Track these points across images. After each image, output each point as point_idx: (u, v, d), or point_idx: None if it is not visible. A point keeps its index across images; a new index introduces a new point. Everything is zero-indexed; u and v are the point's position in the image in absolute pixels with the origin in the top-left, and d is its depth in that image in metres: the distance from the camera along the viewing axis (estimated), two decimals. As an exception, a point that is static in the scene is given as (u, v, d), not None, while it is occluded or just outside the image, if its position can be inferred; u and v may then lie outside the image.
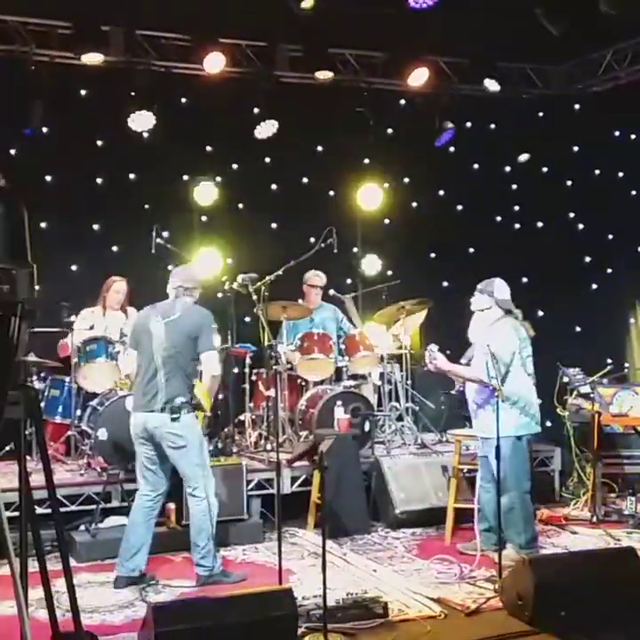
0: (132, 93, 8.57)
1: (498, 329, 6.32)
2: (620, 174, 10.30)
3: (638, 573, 5.16)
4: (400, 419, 8.45)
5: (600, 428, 7.50)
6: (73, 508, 6.75)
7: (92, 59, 8.30)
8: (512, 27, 8.38)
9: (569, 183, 10.67)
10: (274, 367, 7.14)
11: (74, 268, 8.87)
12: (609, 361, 9.34)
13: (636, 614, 5.03)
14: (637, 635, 4.85)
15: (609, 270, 10.44)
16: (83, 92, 8.89)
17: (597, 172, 10.48)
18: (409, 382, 8.58)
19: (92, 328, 7.64)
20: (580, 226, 10.66)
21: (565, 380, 8.18)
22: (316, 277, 8.63)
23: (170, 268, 9.08)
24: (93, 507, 6.70)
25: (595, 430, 7.44)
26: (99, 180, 9.02)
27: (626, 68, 9.58)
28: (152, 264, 8.48)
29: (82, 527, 6.70)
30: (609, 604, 4.95)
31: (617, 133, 10.26)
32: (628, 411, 8.00)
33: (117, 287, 7.95)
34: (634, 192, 10.20)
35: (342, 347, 8.21)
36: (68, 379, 7.50)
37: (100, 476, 6.93)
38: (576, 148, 10.61)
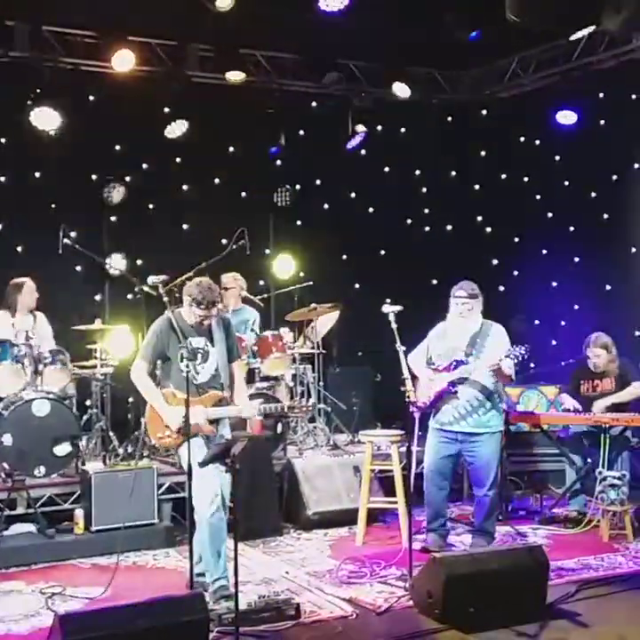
0: (38, 90, 8.37)
1: (499, 326, 6.51)
2: (526, 179, 10.56)
3: (544, 569, 5.29)
4: (312, 420, 8.48)
5: (507, 426, 7.66)
6: (-24, 515, 6.57)
7: (-4, 54, 8.10)
8: (421, 32, 8.51)
9: (477, 187, 10.89)
10: (185, 369, 7.06)
11: (-25, 268, 8.63)
12: (516, 360, 9.55)
13: (543, 609, 5.16)
14: (543, 629, 4.96)
15: (516, 272, 10.70)
16: (-15, 88, 8.67)
17: (504, 176, 10.73)
18: (321, 383, 8.62)
19: (-4, 331, 7.41)
20: (488, 229, 10.89)
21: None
22: (224, 279, 8.48)
23: (78, 268, 8.96)
24: (-3, 514, 6.53)
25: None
26: (2, 179, 8.79)
27: (531, 74, 9.84)
28: (59, 265, 8.31)
29: (-15, 535, 6.51)
30: (516, 599, 5.06)
31: (522, 139, 10.52)
32: (533, 409, 8.22)
33: (32, 287, 7.68)
34: (538, 196, 10.47)
35: (255, 349, 8.17)
36: (-30, 383, 7.26)
37: (4, 483, 6.73)
38: (483, 153, 10.85)
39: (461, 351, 6.37)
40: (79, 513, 6.65)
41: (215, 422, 5.53)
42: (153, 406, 5.56)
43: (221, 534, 5.39)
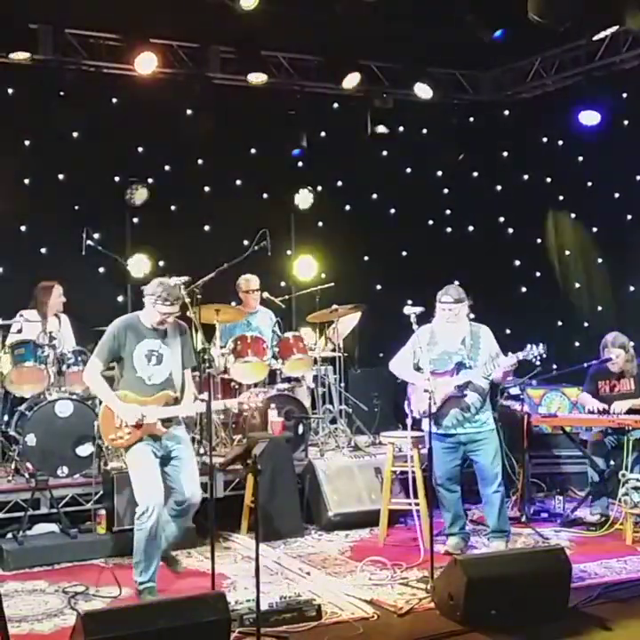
0: (62, 93, 8.43)
1: (485, 327, 6.54)
2: (548, 180, 10.51)
3: (566, 572, 5.26)
4: (334, 421, 8.47)
5: (529, 428, 7.62)
6: (0, 515, 6.61)
7: (20, 57, 8.14)
8: (443, 32, 8.49)
9: (499, 188, 10.85)
10: (207, 370, 7.10)
11: (0, 270, 8.69)
12: (537, 363, 9.50)
13: (565, 612, 5.13)
14: (565, 631, 4.93)
15: (538, 273, 10.64)
16: (10, 91, 8.73)
17: (526, 177, 10.68)
18: (342, 385, 8.62)
19: (19, 331, 7.47)
20: (510, 230, 10.85)
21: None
22: (246, 282, 8.49)
23: (100, 269, 9.01)
24: (21, 514, 6.56)
25: (524, 431, 7.56)
26: (26, 181, 8.85)
27: (553, 75, 9.79)
28: (82, 266, 8.35)
29: (9, 535, 6.54)
30: (538, 602, 5.04)
31: (545, 139, 10.47)
32: (556, 411, 8.17)
33: (60, 291, 7.78)
34: (561, 197, 10.42)
35: (276, 349, 8.18)
36: (-6, 383, 7.32)
37: (28, 483, 6.77)
38: (505, 154, 10.80)
39: (459, 355, 6.35)
40: (102, 513, 6.69)
41: (168, 422, 5.60)
42: (107, 405, 5.61)
43: None
